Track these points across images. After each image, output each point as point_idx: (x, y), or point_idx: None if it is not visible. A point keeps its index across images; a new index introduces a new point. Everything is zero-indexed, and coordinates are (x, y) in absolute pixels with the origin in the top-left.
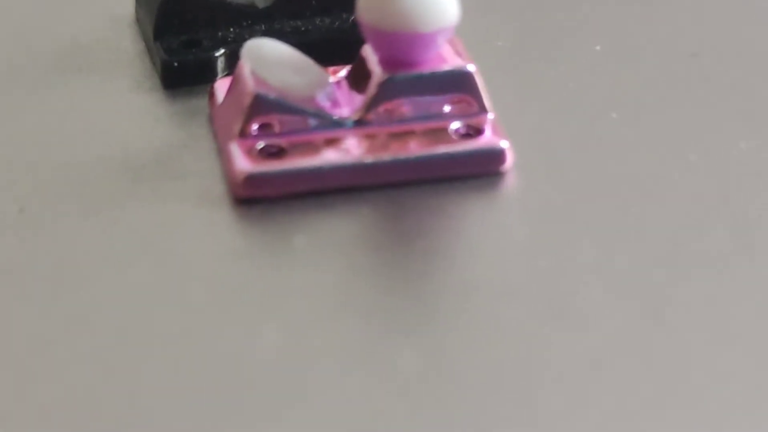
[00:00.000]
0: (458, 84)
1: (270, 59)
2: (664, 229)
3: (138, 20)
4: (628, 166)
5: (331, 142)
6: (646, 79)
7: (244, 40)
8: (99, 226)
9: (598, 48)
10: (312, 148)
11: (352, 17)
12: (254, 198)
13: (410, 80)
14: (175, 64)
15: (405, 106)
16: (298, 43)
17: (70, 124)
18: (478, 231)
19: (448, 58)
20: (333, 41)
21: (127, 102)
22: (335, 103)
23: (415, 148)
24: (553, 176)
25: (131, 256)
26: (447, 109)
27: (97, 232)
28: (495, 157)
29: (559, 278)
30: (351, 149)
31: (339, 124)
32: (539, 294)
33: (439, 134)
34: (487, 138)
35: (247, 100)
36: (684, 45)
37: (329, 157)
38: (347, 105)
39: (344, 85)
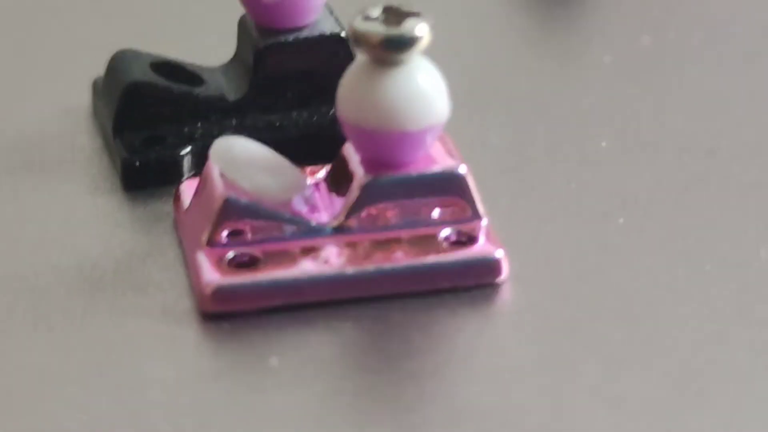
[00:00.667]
0: (449, 187)
1: (241, 159)
2: (677, 348)
3: (95, 114)
4: (637, 277)
5: (309, 251)
6: (656, 180)
7: (213, 136)
8: (51, 343)
9: (604, 144)
10: (288, 257)
11: (332, 111)
12: (224, 313)
13: (396, 183)
14: (137, 163)
15: (390, 211)
16: (273, 139)
17: (19, 230)
18: (471, 350)
19: (437, 159)
20: (311, 138)
21: (83, 205)
22: (313, 208)
23: (401, 258)
24: (554, 289)
25: (87, 379)
26: (436, 214)
27: (50, 350)
28: (489, 267)
29: (560, 404)
30: (331, 259)
31: (317, 231)
32: (538, 422)
33: (428, 242)
34: (481, 246)
35: (215, 205)
36: (699, 141)
37: (307, 267)
38: (326, 210)
39: (323, 187)
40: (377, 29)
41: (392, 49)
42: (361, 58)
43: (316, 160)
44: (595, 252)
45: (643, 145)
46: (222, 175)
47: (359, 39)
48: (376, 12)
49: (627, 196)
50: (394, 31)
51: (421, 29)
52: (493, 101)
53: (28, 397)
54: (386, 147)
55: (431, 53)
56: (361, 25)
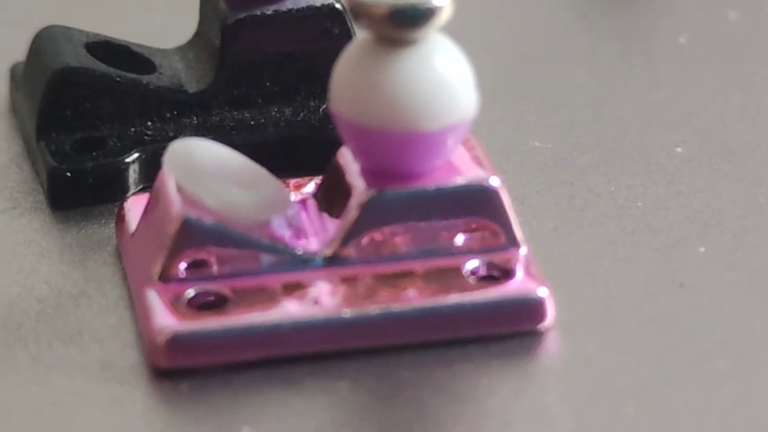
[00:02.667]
0: (476, 204)
1: (204, 168)
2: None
3: (13, 110)
4: (722, 323)
5: (294, 289)
6: (747, 196)
7: (168, 138)
8: None
9: (679, 150)
10: (266, 296)
11: (324, 106)
12: (183, 369)
13: (407, 198)
14: (68, 173)
15: (400, 237)
16: (246, 143)
17: None
18: (505, 419)
19: (461, 168)
20: (295, 141)
21: None
22: (299, 232)
23: (414, 298)
24: (612, 339)
25: None
26: (461, 240)
27: None
28: (530, 309)
29: None
30: (321, 298)
31: (304, 261)
32: None
33: (450, 276)
34: (519, 282)
35: (171, 228)
36: None
37: (290, 309)
38: (316, 235)
39: (312, 205)
40: None
41: (403, 23)
42: (361, 36)
43: (303, 170)
44: (668, 290)
45: (729, 152)
46: (180, 189)
47: (359, 10)
48: None
49: (709, 218)
50: (404, 0)
51: None
52: (534, 94)
53: None
54: (394, 152)
55: (453, 31)
56: None
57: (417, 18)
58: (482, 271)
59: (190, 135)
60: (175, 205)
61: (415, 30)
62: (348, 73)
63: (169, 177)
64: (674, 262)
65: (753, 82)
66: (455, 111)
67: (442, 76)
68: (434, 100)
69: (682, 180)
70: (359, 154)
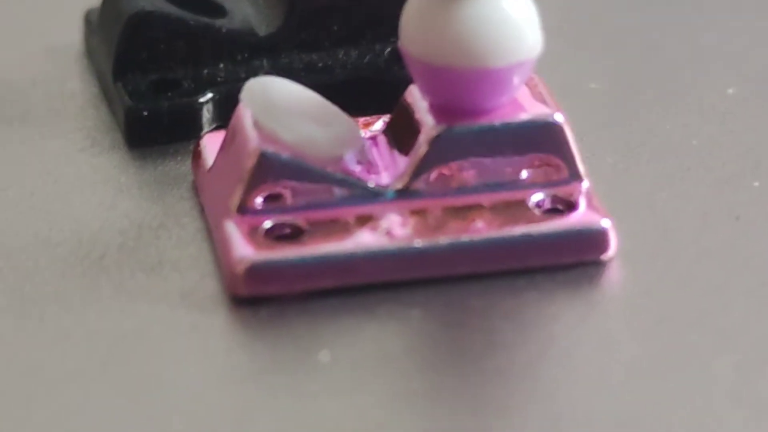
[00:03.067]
0: (541, 140)
1: (280, 105)
2: None
3: (90, 53)
4: None
5: (366, 220)
6: None
7: (240, 79)
8: (43, 337)
9: (730, 91)
10: (339, 227)
11: (389, 49)
12: (261, 297)
13: (474, 135)
14: (145, 113)
15: (467, 171)
16: (315, 84)
17: (3, 197)
18: (571, 344)
19: (526, 105)
20: (362, 82)
21: (77, 166)
22: (370, 167)
23: (482, 229)
24: (673, 268)
25: (88, 379)
26: (525, 174)
27: (42, 345)
28: (593, 240)
29: (683, 409)
30: (393, 230)
31: (376, 195)
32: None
33: (516, 209)
34: (582, 214)
35: (248, 162)
36: None
37: (363, 240)
38: (387, 169)
39: (382, 142)
40: None
41: None
42: None
43: (369, 110)
44: (724, 222)
45: None
46: (256, 125)
47: None
48: None
49: (761, 154)
50: None
51: None
52: (594, 35)
53: (18, 400)
54: (462, 89)
55: None
56: None
57: None
58: (547, 204)
59: (263, 73)
60: (252, 140)
61: None
62: (418, 13)
63: (245, 113)
64: (729, 196)
65: (764, 152)
66: (521, 49)
67: (508, 15)
68: (501, 39)
69: (734, 119)
70: (428, 91)
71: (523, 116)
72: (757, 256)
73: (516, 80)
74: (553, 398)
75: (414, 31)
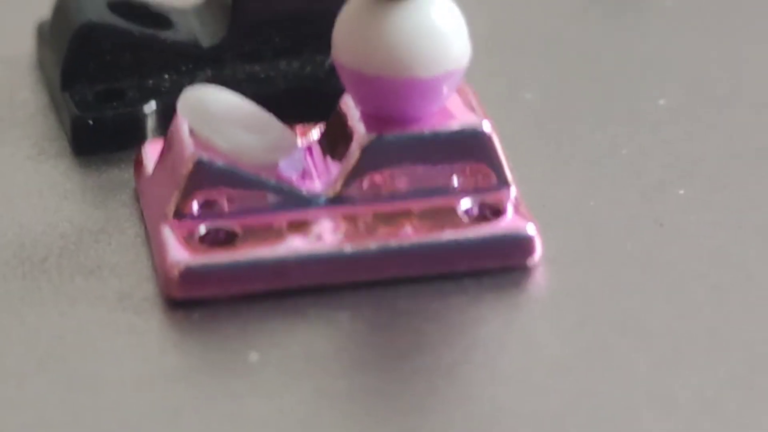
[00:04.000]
0: (470, 148)
1: (216, 113)
2: (740, 341)
3: (40, 63)
4: (699, 259)
5: (299, 226)
6: (725, 144)
7: (183, 89)
8: None
9: (661, 102)
10: (272, 233)
11: (328, 61)
12: (194, 300)
13: (405, 142)
14: (90, 121)
15: (398, 178)
16: (256, 94)
17: None
18: (496, 345)
19: (455, 113)
20: (302, 92)
21: (25, 173)
22: (304, 174)
23: (411, 234)
24: (596, 272)
25: (26, 378)
26: (455, 182)
27: None
28: (519, 245)
29: (602, 407)
30: (325, 235)
31: (309, 201)
32: (576, 428)
33: (445, 215)
34: (509, 221)
35: (185, 169)
36: None
37: (295, 245)
38: (320, 176)
39: (316, 149)
40: None
41: None
42: None
43: (308, 118)
44: (649, 229)
45: (709, 103)
46: (192, 133)
47: None
48: None
49: (688, 164)
50: None
51: None
52: (525, 44)
53: None
54: (393, 98)
55: None
56: None
57: None
58: (475, 210)
59: (201, 81)
60: (189, 147)
61: None
62: (349, 25)
63: (182, 122)
64: (655, 204)
65: (732, 36)
66: (449, 59)
67: (436, 26)
68: (429, 49)
69: (664, 129)
70: (360, 100)
71: (453, 125)
72: (679, 261)
73: (445, 89)
74: (477, 398)
75: (345, 41)
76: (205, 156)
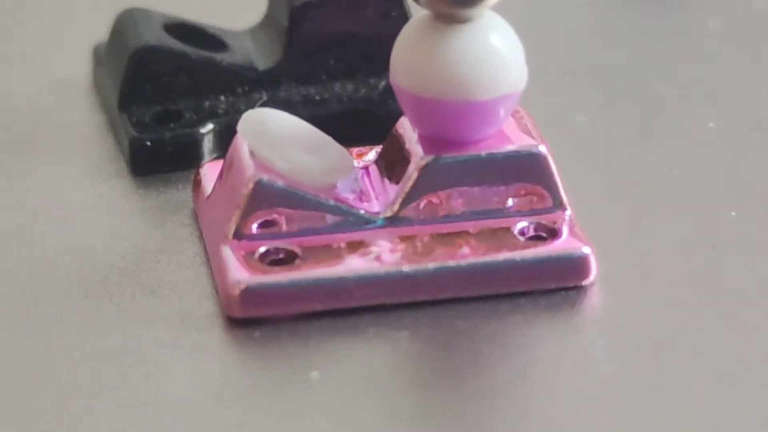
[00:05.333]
0: (526, 170)
1: (276, 135)
2: None
3: (97, 85)
4: (750, 279)
5: (357, 246)
6: None
7: (240, 111)
8: (48, 355)
9: (711, 125)
10: (331, 253)
11: (383, 83)
12: (255, 319)
13: (462, 165)
14: (148, 143)
15: (455, 200)
16: (311, 116)
17: (9, 222)
18: (553, 364)
19: (512, 136)
20: (357, 115)
21: (84, 193)
22: (361, 195)
23: (468, 255)
24: (650, 292)
25: (90, 396)
26: (511, 203)
27: (46, 363)
28: (574, 266)
29: (658, 426)
30: (383, 255)
31: (367, 221)
32: None
33: (501, 236)
34: (564, 241)
35: (245, 190)
36: None
37: (354, 265)
38: (378, 197)
39: (374, 171)
40: None
41: (459, 2)
42: (420, 14)
43: (363, 141)
44: (701, 250)
45: (756, 126)
46: (252, 154)
47: None
48: None
49: (739, 186)
50: None
51: None
52: (579, 70)
53: (22, 416)
54: (450, 121)
55: (504, 9)
56: None
57: None
58: (530, 231)
59: (260, 104)
60: (249, 168)
61: (470, 8)
62: (408, 49)
63: (243, 143)
64: (708, 225)
65: (741, 185)
66: (506, 83)
67: (494, 50)
68: (487, 73)
69: (714, 151)
70: (417, 123)
71: (509, 147)
72: (731, 282)
73: (502, 112)
74: (535, 417)
75: (403, 65)
76: (265, 177)
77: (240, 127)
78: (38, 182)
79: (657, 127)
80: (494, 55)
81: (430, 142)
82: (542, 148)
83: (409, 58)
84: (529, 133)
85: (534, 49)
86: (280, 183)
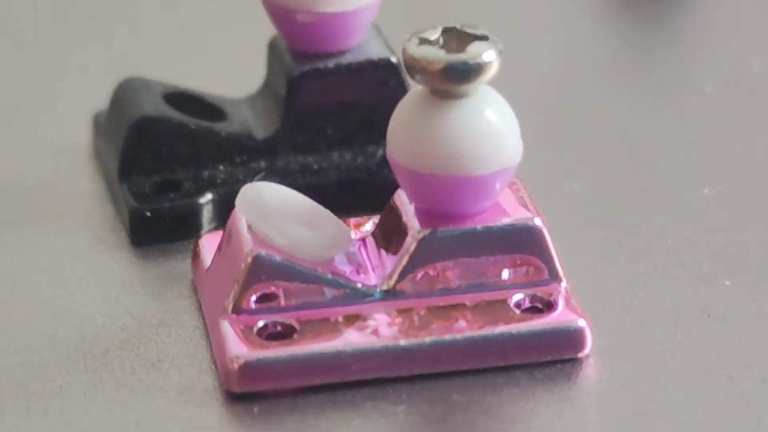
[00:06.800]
0: (521, 243)
1: (273, 210)
2: None
3: (97, 153)
4: (748, 351)
5: (354, 320)
6: None
7: (238, 181)
8: (48, 430)
9: (706, 191)
10: (329, 327)
11: (380, 151)
12: (253, 393)
13: (458, 237)
14: (147, 213)
15: (451, 272)
16: (309, 185)
17: (8, 293)
18: None
19: (507, 209)
20: (354, 184)
21: (83, 263)
22: (359, 268)
23: (464, 328)
24: (647, 365)
25: None
26: (506, 275)
27: None
28: (570, 339)
29: None
30: (380, 329)
31: (364, 295)
32: None
33: (497, 309)
34: (560, 314)
35: (243, 264)
36: None
37: (351, 338)
38: (375, 270)
39: (371, 243)
40: (436, 55)
41: (454, 78)
42: (416, 88)
43: (362, 210)
44: (697, 320)
45: (753, 193)
46: (250, 229)
47: (415, 66)
48: (434, 34)
49: (735, 255)
50: (456, 57)
51: (488, 55)
52: (574, 139)
53: None
54: (447, 195)
55: (498, 82)
56: (417, 50)
57: (468, 73)
58: (526, 303)
59: (258, 178)
60: (247, 243)
61: (465, 84)
62: (404, 124)
63: (240, 218)
64: (702, 294)
65: (737, 254)
66: (502, 158)
67: (490, 126)
68: (483, 148)
69: (709, 219)
70: (414, 196)
71: (505, 220)
72: (727, 351)
73: (498, 186)
74: None
75: (400, 140)
76: (264, 251)
77: (238, 201)
78: (39, 253)
79: (652, 194)
80: (490, 131)
81: (426, 215)
82: (538, 221)
83: (405, 134)
84: (525, 206)
85: (530, 116)
86: (278, 257)
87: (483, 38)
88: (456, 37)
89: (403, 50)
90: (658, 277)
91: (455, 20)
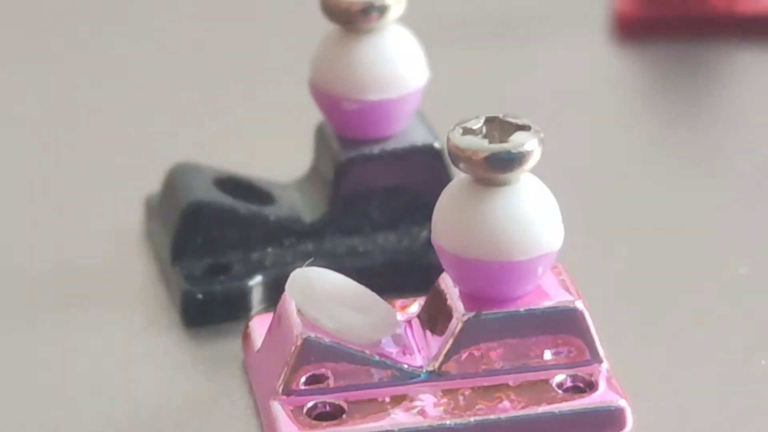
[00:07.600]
0: (563, 325)
1: (322, 294)
2: None
3: (150, 236)
4: None
5: (401, 400)
6: None
7: (287, 263)
8: None
9: (742, 271)
10: (377, 407)
11: (425, 233)
12: None
13: (502, 320)
14: (199, 295)
15: (495, 353)
16: (355, 267)
17: (64, 374)
18: None
19: (549, 292)
20: (400, 266)
21: (137, 344)
22: (405, 349)
23: (508, 408)
24: None
25: None
26: (548, 356)
27: None
28: (611, 419)
29: None
30: (426, 409)
31: (410, 376)
32: None
33: (540, 389)
34: (601, 394)
35: (293, 346)
36: None
37: (399, 419)
38: (421, 351)
39: (416, 324)
40: (480, 144)
41: (497, 167)
42: (459, 176)
43: (407, 292)
44: (737, 400)
45: None
46: (300, 312)
47: (459, 155)
48: (477, 123)
49: None
50: (499, 147)
51: (530, 144)
52: (614, 222)
53: None
54: (491, 279)
55: (539, 169)
56: (461, 140)
57: (510, 163)
58: (568, 383)
59: (306, 261)
60: (297, 326)
61: (508, 173)
62: (448, 211)
63: (290, 301)
64: (740, 374)
65: None
66: (544, 243)
67: (532, 213)
68: (525, 234)
69: (745, 298)
70: (458, 280)
71: (547, 303)
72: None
73: (540, 271)
74: None
75: (444, 227)
76: (313, 334)
77: (288, 287)
78: (94, 334)
79: (690, 274)
80: (532, 218)
81: (471, 298)
82: (579, 304)
83: (450, 221)
84: (566, 288)
85: (569, 202)
86: (326, 340)
87: (525, 128)
88: (498, 127)
89: (447, 140)
90: (697, 356)
91: (497, 108)
